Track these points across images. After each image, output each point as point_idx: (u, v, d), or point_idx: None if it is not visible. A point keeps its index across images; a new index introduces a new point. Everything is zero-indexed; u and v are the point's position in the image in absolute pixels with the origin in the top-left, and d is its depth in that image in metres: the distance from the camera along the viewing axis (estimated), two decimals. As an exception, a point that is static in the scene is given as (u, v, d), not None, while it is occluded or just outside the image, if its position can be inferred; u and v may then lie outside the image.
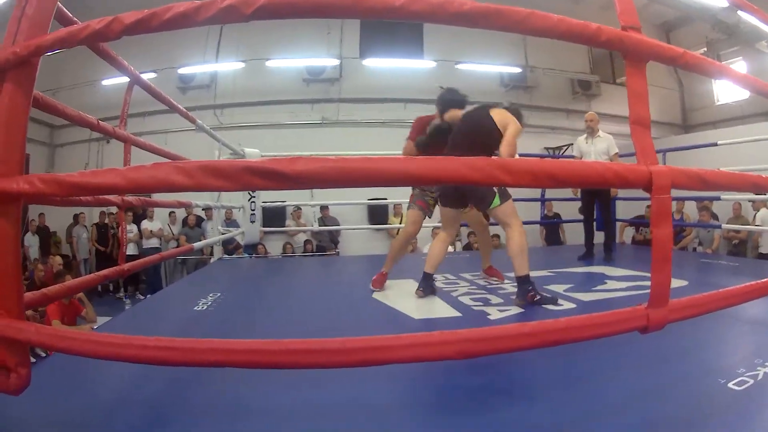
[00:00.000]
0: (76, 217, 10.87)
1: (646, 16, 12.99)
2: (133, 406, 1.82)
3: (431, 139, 3.83)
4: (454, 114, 3.74)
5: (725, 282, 4.15)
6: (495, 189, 3.42)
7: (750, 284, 1.67)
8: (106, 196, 2.81)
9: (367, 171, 1.19)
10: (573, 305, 3.30)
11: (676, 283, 3.75)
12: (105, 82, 10.59)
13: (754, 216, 8.56)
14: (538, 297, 3.29)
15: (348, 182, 1.21)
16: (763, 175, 1.74)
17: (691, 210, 9.29)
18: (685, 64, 1.55)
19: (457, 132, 3.68)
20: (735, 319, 2.78)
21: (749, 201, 8.30)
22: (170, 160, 3.78)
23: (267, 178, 1.17)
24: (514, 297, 3.40)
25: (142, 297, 9.74)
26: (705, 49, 12.76)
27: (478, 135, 3.57)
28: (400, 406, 1.84)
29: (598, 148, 5.61)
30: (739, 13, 9.16)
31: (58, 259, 8.32)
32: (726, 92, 13.50)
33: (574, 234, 9.90)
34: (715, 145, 6.93)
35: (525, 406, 1.82)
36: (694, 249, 9.00)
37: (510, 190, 3.46)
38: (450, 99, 3.87)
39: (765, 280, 1.72)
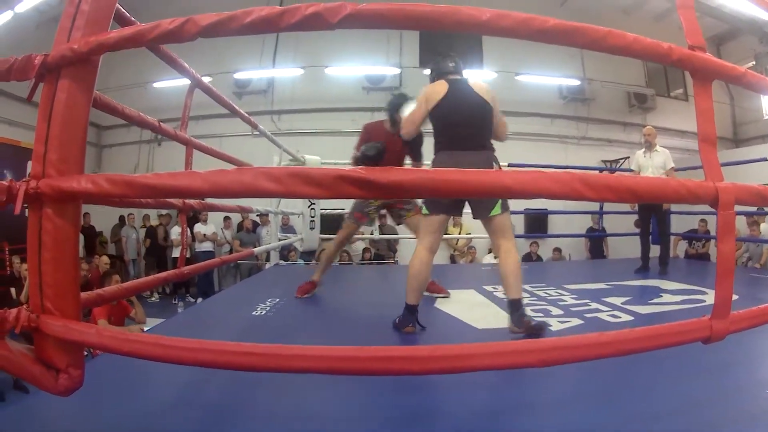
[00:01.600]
0: (122, 218, 10.93)
1: None
2: (187, 409, 1.84)
3: (362, 161, 3.72)
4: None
5: None
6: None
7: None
8: (167, 199, 2.78)
9: (462, 183, 1.21)
10: (631, 317, 3.36)
11: None
12: (156, 85, 10.66)
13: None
14: (534, 323, 2.84)
15: (439, 193, 1.23)
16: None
17: (740, 225, 9.27)
18: (748, 83, 1.61)
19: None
20: None
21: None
22: (236, 165, 3.77)
23: (361, 186, 1.18)
24: (508, 323, 2.89)
25: (193, 300, 9.74)
26: (753, 62, 12.69)
27: (484, 122, 3.16)
28: (471, 410, 1.83)
29: (655, 162, 5.68)
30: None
31: (105, 259, 8.22)
32: None
33: (616, 248, 10.12)
34: (766, 160, 6.91)
35: (586, 410, 1.88)
36: (744, 264, 8.96)
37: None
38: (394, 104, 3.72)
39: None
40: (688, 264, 7.51)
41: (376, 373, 1.29)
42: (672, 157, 5.75)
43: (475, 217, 3.15)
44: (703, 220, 9.21)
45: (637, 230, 6.27)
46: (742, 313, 1.51)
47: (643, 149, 5.85)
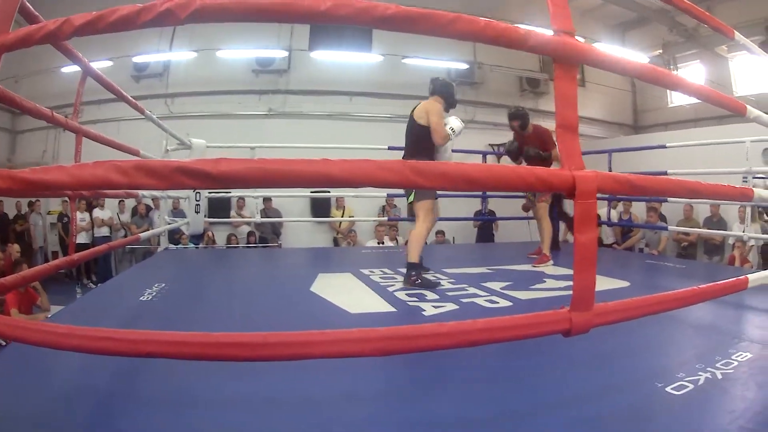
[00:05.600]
0: (31, 204, 10.92)
1: (602, 17, 13.25)
2: (84, 397, 1.85)
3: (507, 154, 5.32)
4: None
5: (668, 285, 4.23)
6: None
7: (684, 290, 1.67)
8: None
9: (288, 173, 1.21)
10: (509, 303, 3.38)
11: (617, 283, 3.96)
12: (64, 70, 10.61)
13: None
14: (419, 281, 3.81)
15: (269, 183, 1.24)
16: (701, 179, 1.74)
17: (639, 210, 9.37)
18: (623, 69, 1.56)
19: (405, 136, 4.31)
20: (679, 322, 2.80)
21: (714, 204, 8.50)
22: (126, 152, 3.96)
23: (195, 177, 1.20)
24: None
25: (93, 286, 9.90)
26: (660, 51, 12.99)
27: (411, 137, 4.22)
28: (336, 396, 1.89)
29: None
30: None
31: (16, 248, 8.36)
32: (680, 95, 13.55)
33: (506, 232, 10.21)
34: (664, 147, 6.99)
35: (460, 400, 1.87)
36: (641, 250, 9.11)
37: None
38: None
39: (702, 286, 1.73)
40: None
41: (212, 358, 1.30)
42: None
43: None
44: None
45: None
46: (609, 305, 1.47)
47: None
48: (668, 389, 1.83)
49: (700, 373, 1.99)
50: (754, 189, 2.12)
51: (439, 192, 4.18)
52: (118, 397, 1.88)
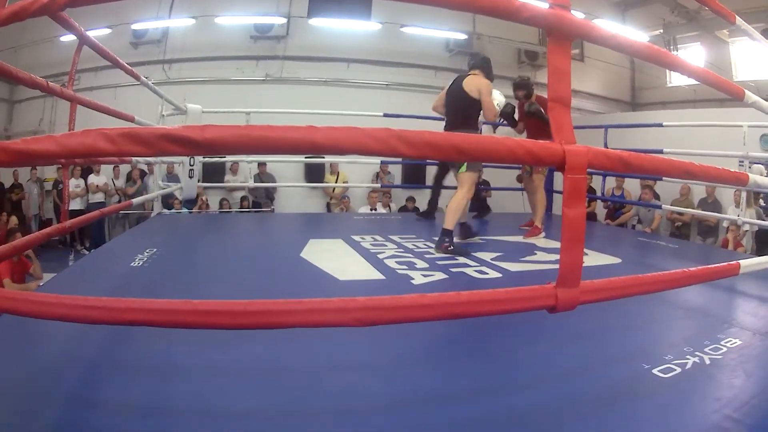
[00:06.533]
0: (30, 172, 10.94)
1: None
2: (69, 364, 1.86)
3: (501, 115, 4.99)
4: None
5: (660, 263, 4.24)
6: None
7: (674, 272, 1.65)
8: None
9: (273, 140, 1.19)
10: (499, 274, 3.39)
11: (608, 259, 3.96)
12: (62, 39, 10.49)
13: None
14: (452, 247, 3.94)
15: (254, 149, 1.22)
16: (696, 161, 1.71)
17: (632, 186, 9.36)
18: (618, 46, 1.53)
19: (448, 106, 4.44)
20: (668, 303, 2.79)
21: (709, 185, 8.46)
22: (121, 119, 4.01)
23: (181, 144, 1.19)
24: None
25: (86, 252, 9.94)
26: (661, 30, 12.93)
27: (460, 109, 4.32)
28: (315, 366, 1.90)
29: None
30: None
31: (15, 219, 8.46)
32: (679, 74, 13.48)
33: (499, 201, 10.01)
34: (661, 125, 6.97)
35: (441, 374, 1.87)
36: (633, 226, 9.13)
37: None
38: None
39: (692, 269, 1.71)
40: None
41: (192, 326, 1.29)
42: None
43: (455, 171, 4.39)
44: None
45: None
46: (596, 282, 1.45)
47: None
48: (655, 371, 1.83)
49: (688, 356, 1.99)
50: (749, 174, 2.10)
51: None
52: (101, 365, 1.88)
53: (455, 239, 4.08)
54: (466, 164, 4.24)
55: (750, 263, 2.11)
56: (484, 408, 1.64)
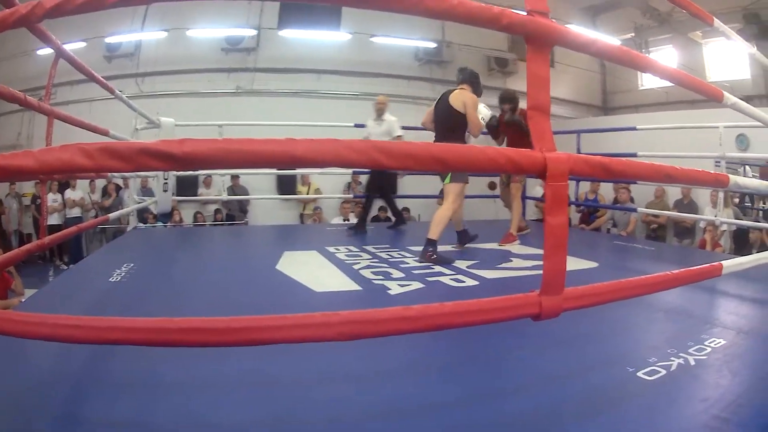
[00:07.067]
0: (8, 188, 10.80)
1: (573, 0, 13.34)
2: (55, 383, 1.83)
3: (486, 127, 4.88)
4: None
5: (638, 266, 4.28)
6: None
7: (657, 275, 1.65)
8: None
9: (252, 153, 1.18)
10: (476, 282, 3.40)
11: (585, 264, 3.98)
12: (39, 52, 10.43)
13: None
14: (435, 256, 3.99)
15: (232, 163, 1.20)
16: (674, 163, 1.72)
17: (606, 191, 9.46)
18: (597, 51, 1.53)
19: (436, 121, 4.48)
20: (649, 306, 2.80)
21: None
22: (97, 133, 3.99)
23: (159, 159, 1.17)
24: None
25: (65, 267, 9.95)
26: (633, 34, 13.08)
27: (446, 123, 4.37)
28: (303, 378, 1.90)
29: (381, 129, 5.93)
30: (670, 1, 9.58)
31: None
32: (651, 77, 13.70)
33: (472, 210, 10.19)
34: (634, 129, 7.03)
35: (427, 383, 1.86)
36: (608, 230, 9.16)
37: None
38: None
39: (675, 271, 1.71)
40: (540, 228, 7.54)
41: (177, 344, 1.27)
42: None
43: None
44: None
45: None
46: (579, 289, 1.45)
47: (375, 117, 6.06)
48: (640, 374, 1.83)
49: (672, 358, 1.99)
50: (729, 175, 2.11)
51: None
52: (87, 382, 1.85)
53: (454, 247, 4.32)
54: (450, 175, 4.34)
55: (732, 263, 2.12)
56: (471, 415, 1.64)
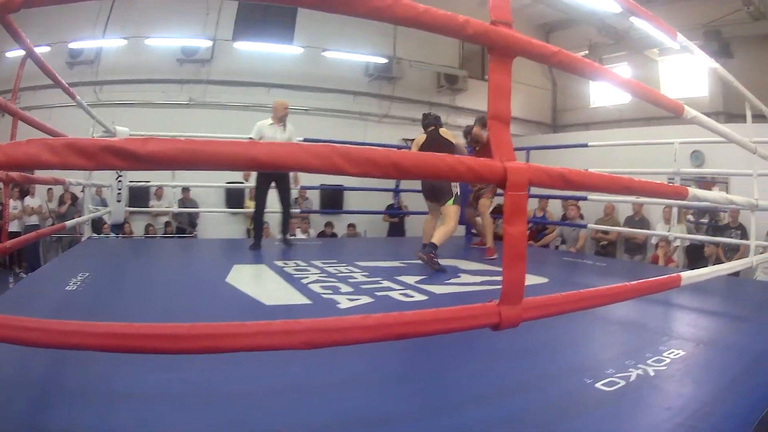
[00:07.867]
0: None
1: (527, 17, 13.66)
2: (12, 391, 1.77)
3: None
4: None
5: (588, 281, 4.36)
6: (453, 192, 4.78)
7: (617, 286, 1.68)
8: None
9: (213, 154, 1.17)
10: (425, 296, 3.40)
11: (535, 279, 4.00)
12: (8, 54, 10.25)
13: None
14: (436, 260, 4.37)
15: (194, 164, 1.19)
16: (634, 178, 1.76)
17: (554, 208, 9.62)
18: (559, 63, 1.56)
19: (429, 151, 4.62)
20: (602, 319, 2.84)
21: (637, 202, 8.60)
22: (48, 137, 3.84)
23: (122, 157, 1.15)
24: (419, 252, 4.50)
25: (24, 275, 9.82)
26: (587, 51, 13.30)
27: (440, 150, 4.52)
28: (254, 390, 1.85)
29: (285, 136, 5.89)
30: (632, 19, 9.69)
31: None
32: (602, 95, 14.15)
33: (417, 226, 10.35)
34: (586, 146, 7.09)
35: (379, 395, 1.85)
36: (557, 247, 9.28)
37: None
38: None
39: (634, 282, 1.74)
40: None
41: (137, 350, 1.24)
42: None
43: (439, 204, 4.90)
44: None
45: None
46: (538, 299, 1.46)
47: (271, 120, 5.94)
48: (598, 385, 1.84)
49: (630, 369, 2.01)
50: (688, 188, 2.16)
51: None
52: (38, 389, 1.79)
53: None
54: (453, 198, 4.79)
55: (691, 275, 2.16)
56: (424, 427, 1.62)
